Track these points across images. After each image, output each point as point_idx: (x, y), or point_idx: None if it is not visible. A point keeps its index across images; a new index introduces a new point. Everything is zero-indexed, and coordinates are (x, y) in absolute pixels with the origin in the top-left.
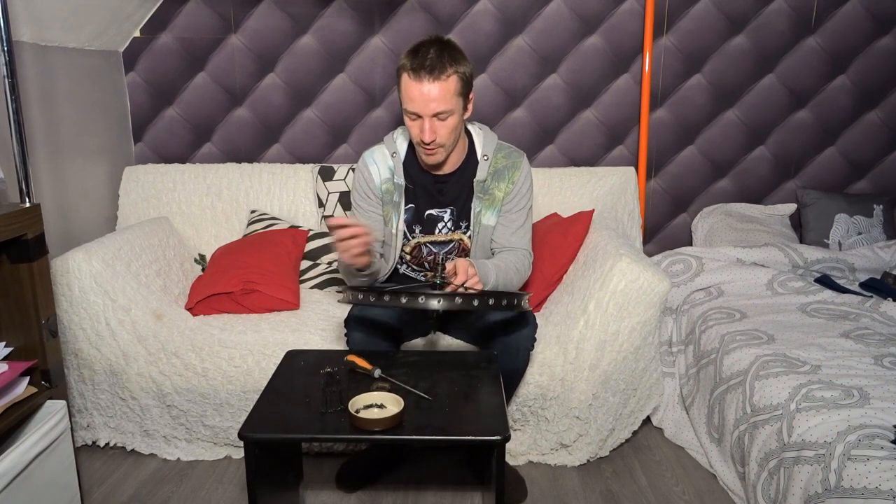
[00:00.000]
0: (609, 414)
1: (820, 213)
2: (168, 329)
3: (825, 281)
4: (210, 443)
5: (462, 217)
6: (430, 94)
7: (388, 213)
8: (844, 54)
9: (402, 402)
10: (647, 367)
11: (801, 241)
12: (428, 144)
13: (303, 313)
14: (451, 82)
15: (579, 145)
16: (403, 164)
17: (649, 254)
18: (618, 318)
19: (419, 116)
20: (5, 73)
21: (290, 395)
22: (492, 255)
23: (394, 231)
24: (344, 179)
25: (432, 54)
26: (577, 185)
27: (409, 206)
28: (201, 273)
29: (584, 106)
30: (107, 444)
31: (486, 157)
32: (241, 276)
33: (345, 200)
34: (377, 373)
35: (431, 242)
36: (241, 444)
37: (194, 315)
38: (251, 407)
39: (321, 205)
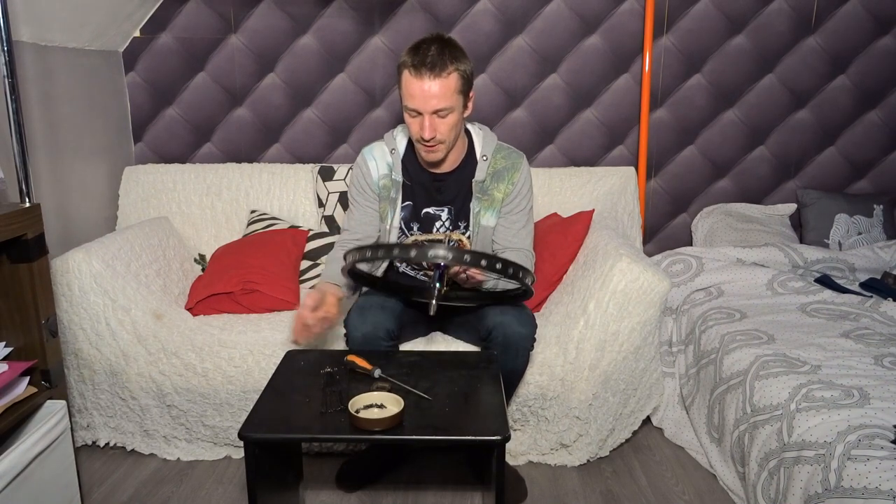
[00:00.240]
0: (609, 414)
1: (820, 213)
2: (168, 329)
3: (825, 281)
4: (210, 443)
5: (460, 217)
6: (430, 90)
7: (384, 209)
8: (844, 54)
9: (402, 402)
10: (647, 367)
11: (801, 241)
12: (428, 141)
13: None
14: (451, 79)
15: (579, 145)
16: (402, 161)
17: (649, 254)
18: (618, 318)
19: (419, 113)
20: (5, 73)
21: (290, 395)
22: None
23: (388, 227)
24: (344, 179)
25: (433, 51)
26: (577, 185)
27: (407, 203)
28: (201, 273)
29: (584, 106)
30: (107, 444)
31: (485, 158)
32: (241, 276)
33: (344, 200)
34: (377, 373)
35: (429, 241)
36: (241, 444)
37: (194, 315)
38: (251, 407)
39: (321, 205)
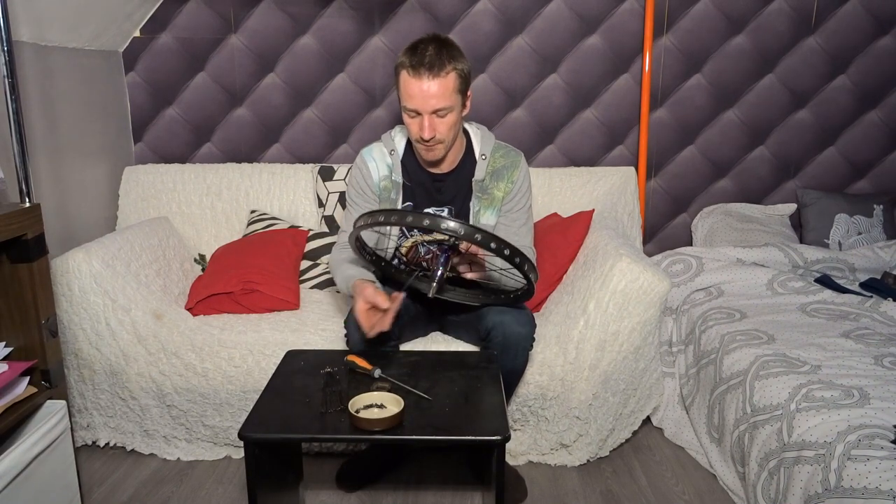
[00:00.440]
0: (609, 414)
1: (820, 213)
2: (168, 329)
3: (825, 281)
4: (210, 443)
5: (461, 216)
6: (429, 90)
7: None
8: (844, 54)
9: (402, 402)
10: (647, 367)
11: (801, 241)
12: (427, 141)
13: (303, 313)
14: (450, 79)
15: (579, 145)
16: (402, 161)
17: (649, 254)
18: (618, 318)
19: (418, 113)
20: (5, 73)
21: (290, 395)
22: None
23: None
24: (344, 179)
25: (431, 51)
26: (577, 185)
27: (407, 203)
28: (201, 273)
29: (584, 106)
30: (107, 444)
31: (483, 157)
32: (241, 276)
33: (344, 200)
34: (377, 373)
35: (429, 242)
36: (241, 444)
37: (194, 315)
38: (251, 407)
39: (321, 205)
